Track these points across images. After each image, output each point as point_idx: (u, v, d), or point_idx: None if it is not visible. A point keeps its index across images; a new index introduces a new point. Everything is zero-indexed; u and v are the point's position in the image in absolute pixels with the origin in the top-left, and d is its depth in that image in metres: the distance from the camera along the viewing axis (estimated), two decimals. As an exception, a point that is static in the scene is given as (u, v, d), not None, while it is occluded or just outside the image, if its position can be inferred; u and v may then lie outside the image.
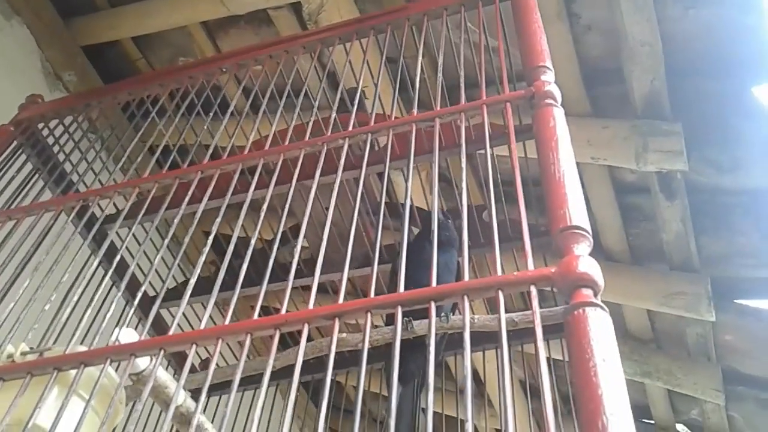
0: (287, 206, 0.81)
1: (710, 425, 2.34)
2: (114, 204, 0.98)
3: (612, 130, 1.78)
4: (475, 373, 2.36)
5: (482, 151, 0.76)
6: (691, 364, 2.19)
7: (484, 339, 1.51)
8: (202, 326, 0.65)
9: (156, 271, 0.80)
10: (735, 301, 2.06)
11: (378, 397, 1.91)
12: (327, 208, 1.49)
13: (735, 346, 2.12)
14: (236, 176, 0.87)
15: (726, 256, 1.98)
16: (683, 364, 2.20)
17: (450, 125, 1.19)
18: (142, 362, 0.68)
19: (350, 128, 0.87)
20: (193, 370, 1.49)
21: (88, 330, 0.74)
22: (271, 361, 0.60)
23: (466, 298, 0.58)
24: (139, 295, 0.76)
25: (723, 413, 2.26)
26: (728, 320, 2.04)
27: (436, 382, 1.87)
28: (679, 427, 2.48)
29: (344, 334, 1.19)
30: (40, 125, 1.23)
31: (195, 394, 1.52)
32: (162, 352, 0.62)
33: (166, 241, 0.83)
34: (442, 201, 1.70)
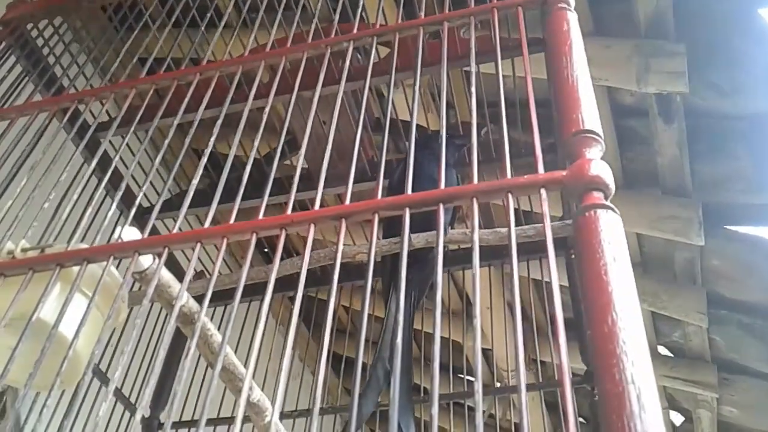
0: (288, 115, 0.79)
1: (691, 347, 2.39)
2: (107, 112, 0.95)
3: (614, 50, 1.74)
4: (463, 294, 2.39)
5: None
6: (677, 287, 2.22)
7: (479, 257, 1.53)
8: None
9: (150, 182, 0.79)
10: (724, 226, 2.07)
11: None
12: (324, 122, 1.48)
13: (721, 271, 2.15)
14: (236, 79, 0.84)
15: (719, 181, 1.98)
16: (669, 287, 2.23)
17: (454, 38, 1.17)
18: (145, 261, 0.67)
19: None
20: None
21: (88, 230, 0.74)
22: (276, 261, 0.59)
23: (475, 200, 0.57)
24: (135, 205, 0.75)
25: (705, 336, 2.31)
26: (716, 245, 2.07)
27: (426, 303, 1.88)
28: (661, 349, 2.55)
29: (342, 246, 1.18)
30: (29, 25, 1.19)
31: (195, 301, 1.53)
32: (166, 250, 0.61)
33: (162, 151, 0.81)
34: (442, 117, 1.67)
